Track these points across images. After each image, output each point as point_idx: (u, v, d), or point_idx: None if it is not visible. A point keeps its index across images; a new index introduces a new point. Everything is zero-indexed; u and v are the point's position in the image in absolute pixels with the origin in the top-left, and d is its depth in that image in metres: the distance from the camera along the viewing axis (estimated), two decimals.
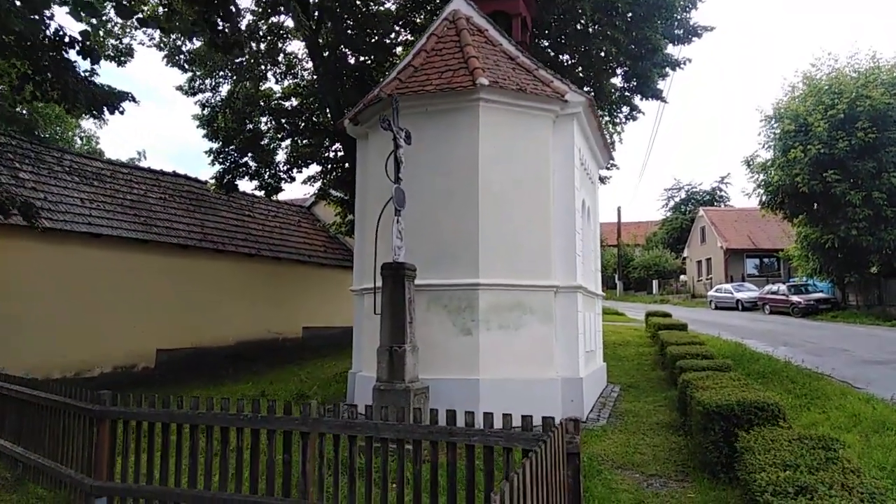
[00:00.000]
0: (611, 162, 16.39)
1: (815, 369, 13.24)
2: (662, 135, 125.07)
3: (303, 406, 5.30)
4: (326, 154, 17.57)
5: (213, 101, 16.44)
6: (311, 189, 18.98)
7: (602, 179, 23.26)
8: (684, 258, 52.63)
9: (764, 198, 28.91)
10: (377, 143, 10.42)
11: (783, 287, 32.02)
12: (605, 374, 13.42)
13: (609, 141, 15.72)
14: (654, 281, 51.53)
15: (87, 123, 35.49)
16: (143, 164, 29.69)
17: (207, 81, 16.06)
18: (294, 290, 18.75)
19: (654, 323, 19.52)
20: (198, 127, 16.50)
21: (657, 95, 16.30)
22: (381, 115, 8.75)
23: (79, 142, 30.42)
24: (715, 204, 56.03)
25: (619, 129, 22.20)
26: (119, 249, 14.09)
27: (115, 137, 78.31)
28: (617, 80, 17.62)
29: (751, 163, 29.99)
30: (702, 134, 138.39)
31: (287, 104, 17.50)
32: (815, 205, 26.96)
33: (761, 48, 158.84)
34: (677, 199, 61.62)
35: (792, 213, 28.37)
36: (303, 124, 17.61)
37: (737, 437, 6.08)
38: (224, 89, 16.54)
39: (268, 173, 17.39)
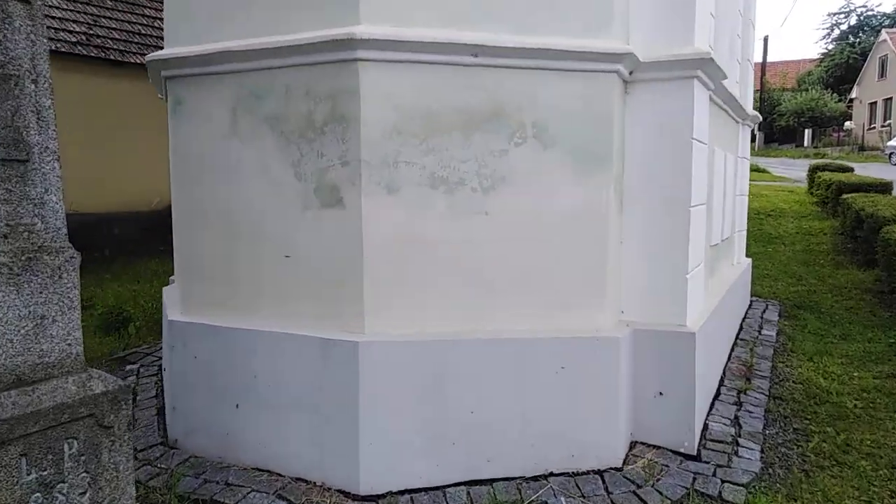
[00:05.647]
0: None
1: None
2: None
3: None
4: None
5: None
6: None
7: None
8: (850, 100, 41.10)
9: None
10: None
11: None
12: (749, 281, 6.74)
13: None
14: (806, 130, 40.65)
15: None
16: None
17: None
18: None
19: (828, 181, 12.11)
20: None
21: None
22: None
23: None
24: None
25: None
26: None
27: None
28: None
29: None
30: None
31: None
32: None
33: None
34: (844, 28, 48.15)
35: None
36: None
37: None
38: None
39: None
